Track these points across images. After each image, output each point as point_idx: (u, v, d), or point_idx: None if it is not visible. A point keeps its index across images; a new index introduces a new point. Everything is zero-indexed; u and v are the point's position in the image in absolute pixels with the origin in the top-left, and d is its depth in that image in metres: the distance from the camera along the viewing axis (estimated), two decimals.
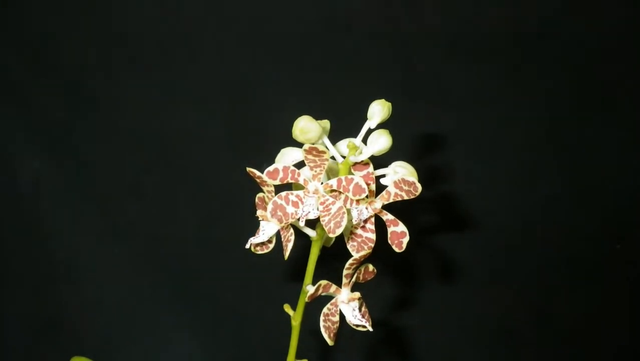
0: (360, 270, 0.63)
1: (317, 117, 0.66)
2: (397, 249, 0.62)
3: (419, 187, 0.59)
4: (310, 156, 0.58)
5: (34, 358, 1.15)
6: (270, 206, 0.59)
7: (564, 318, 1.22)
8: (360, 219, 0.60)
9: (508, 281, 1.19)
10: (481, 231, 1.15)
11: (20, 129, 1.06)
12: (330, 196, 0.59)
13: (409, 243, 0.62)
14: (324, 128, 0.64)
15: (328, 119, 0.67)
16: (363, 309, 0.64)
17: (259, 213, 0.65)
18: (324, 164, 0.58)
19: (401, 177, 0.60)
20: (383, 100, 0.63)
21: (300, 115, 0.61)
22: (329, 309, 0.63)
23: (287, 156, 0.65)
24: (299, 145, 0.61)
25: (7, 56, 1.04)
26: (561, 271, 1.20)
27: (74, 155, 1.09)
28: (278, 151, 0.65)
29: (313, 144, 0.60)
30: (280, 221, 0.59)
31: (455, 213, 1.15)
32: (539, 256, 1.19)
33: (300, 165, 0.62)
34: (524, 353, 1.23)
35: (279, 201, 0.59)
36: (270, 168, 0.59)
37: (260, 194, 0.65)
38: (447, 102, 1.11)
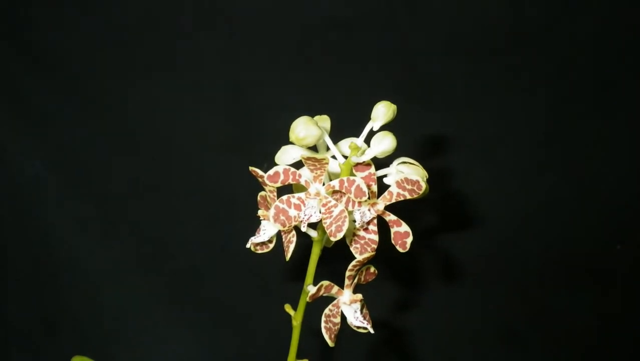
0: (362, 271, 0.63)
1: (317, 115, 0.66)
2: (400, 250, 0.62)
3: (423, 185, 0.59)
4: (310, 162, 0.58)
5: (34, 358, 1.15)
6: (272, 211, 0.59)
7: (564, 318, 1.22)
8: (364, 222, 0.60)
9: (509, 282, 1.19)
10: (481, 232, 1.15)
11: (20, 129, 1.06)
12: (332, 197, 0.59)
13: (410, 244, 0.62)
14: (323, 127, 0.64)
15: (328, 118, 0.67)
16: (364, 310, 0.64)
17: (260, 212, 0.65)
18: (324, 167, 0.58)
19: (404, 176, 0.60)
20: (388, 102, 0.62)
21: (300, 114, 0.61)
22: (330, 310, 0.63)
23: (288, 154, 0.64)
24: None
25: (7, 56, 1.04)
26: (561, 271, 1.20)
27: (74, 155, 1.09)
28: (279, 150, 0.65)
29: (312, 147, 0.59)
30: (283, 225, 0.59)
31: (455, 213, 1.15)
32: (539, 256, 1.19)
33: (301, 163, 0.61)
34: (524, 353, 1.23)
35: (281, 205, 0.59)
36: (271, 172, 0.59)
37: (262, 193, 0.65)
38: (447, 103, 1.11)
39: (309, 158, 0.57)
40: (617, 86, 1.13)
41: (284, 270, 1.08)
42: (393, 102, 0.63)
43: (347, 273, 0.62)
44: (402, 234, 0.61)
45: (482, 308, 1.20)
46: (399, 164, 0.64)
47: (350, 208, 0.59)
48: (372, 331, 0.63)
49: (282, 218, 0.59)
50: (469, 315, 1.21)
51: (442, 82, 1.10)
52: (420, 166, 0.64)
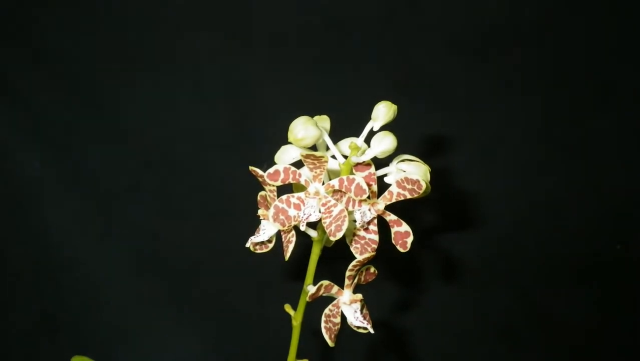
0: (362, 271, 0.63)
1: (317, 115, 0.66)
2: (401, 250, 0.62)
3: (423, 185, 0.58)
4: (309, 160, 0.58)
5: (34, 358, 1.15)
6: (272, 211, 0.59)
7: (564, 318, 1.22)
8: (364, 221, 0.60)
9: (508, 282, 1.19)
10: (481, 232, 1.15)
11: (20, 129, 1.06)
12: (332, 197, 0.59)
13: (411, 243, 0.62)
14: (323, 127, 0.64)
15: (328, 118, 0.67)
16: (364, 310, 0.64)
17: (260, 212, 0.65)
18: (324, 166, 0.58)
19: (404, 176, 0.60)
20: (389, 102, 0.62)
21: (299, 114, 0.61)
22: (330, 310, 0.63)
23: (287, 154, 0.64)
24: None
25: (7, 56, 1.04)
26: (561, 271, 1.20)
27: (74, 155, 1.09)
28: (279, 149, 0.65)
29: (312, 147, 0.59)
30: (283, 225, 0.59)
31: (455, 213, 1.15)
32: (539, 256, 1.19)
33: (301, 162, 0.61)
34: (524, 353, 1.23)
35: (281, 205, 0.59)
36: (271, 170, 0.59)
37: (261, 193, 0.65)
38: (447, 103, 1.11)
39: (307, 156, 0.57)
40: (617, 86, 1.13)
41: (284, 270, 1.08)
42: (393, 102, 0.63)
43: (347, 273, 0.62)
44: (403, 234, 0.61)
45: (482, 308, 1.20)
46: (399, 162, 0.64)
47: (350, 208, 0.59)
48: (372, 331, 0.63)
49: (281, 217, 0.59)
50: (469, 315, 1.21)
51: (442, 82, 1.10)
52: (421, 161, 0.64)
